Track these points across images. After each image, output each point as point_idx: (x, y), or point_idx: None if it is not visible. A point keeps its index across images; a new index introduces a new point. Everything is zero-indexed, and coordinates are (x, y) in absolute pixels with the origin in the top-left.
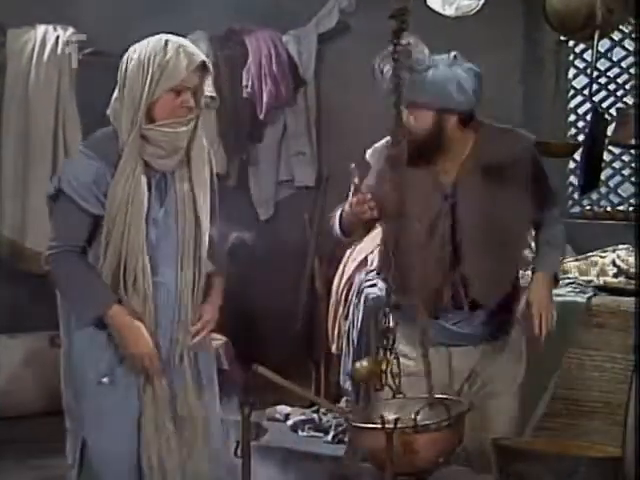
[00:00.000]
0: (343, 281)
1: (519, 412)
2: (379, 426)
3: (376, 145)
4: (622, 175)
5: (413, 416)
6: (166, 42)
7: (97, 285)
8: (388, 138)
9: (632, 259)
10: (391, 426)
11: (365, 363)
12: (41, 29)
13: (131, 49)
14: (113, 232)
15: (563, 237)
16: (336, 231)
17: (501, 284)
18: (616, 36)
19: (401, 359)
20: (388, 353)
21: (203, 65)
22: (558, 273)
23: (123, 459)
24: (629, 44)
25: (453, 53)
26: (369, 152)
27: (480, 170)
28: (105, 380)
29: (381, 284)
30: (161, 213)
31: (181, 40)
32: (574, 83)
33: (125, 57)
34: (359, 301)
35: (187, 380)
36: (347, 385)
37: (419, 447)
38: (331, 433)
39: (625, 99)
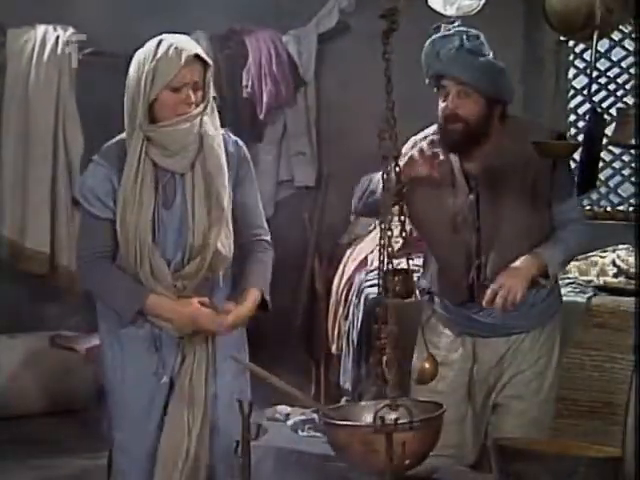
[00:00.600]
0: (343, 281)
1: (546, 416)
2: (347, 424)
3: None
4: (622, 175)
5: (372, 417)
6: (159, 42)
7: (129, 282)
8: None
9: (632, 259)
10: (369, 424)
11: (427, 364)
12: (41, 29)
13: (136, 53)
14: (126, 233)
15: (577, 237)
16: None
17: None
18: (616, 36)
19: (430, 348)
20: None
21: (201, 60)
22: (551, 266)
23: (144, 458)
24: (629, 44)
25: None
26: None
27: (503, 160)
28: (165, 379)
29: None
30: (167, 215)
31: (176, 38)
32: (574, 83)
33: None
34: (359, 301)
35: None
36: (347, 385)
37: (380, 447)
38: None
39: (625, 99)
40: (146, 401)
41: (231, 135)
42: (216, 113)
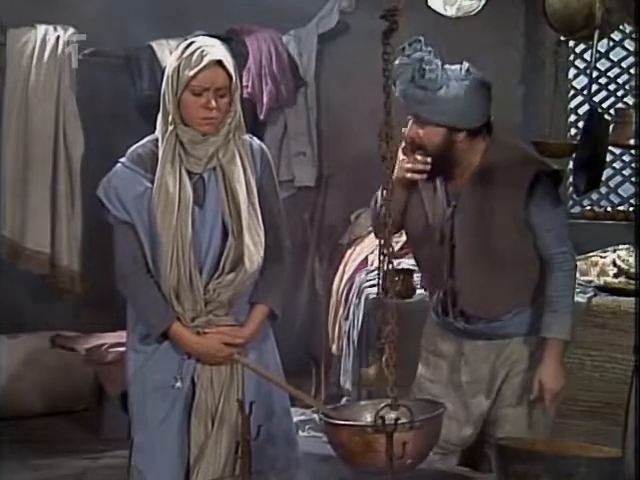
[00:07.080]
0: (343, 281)
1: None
2: (350, 424)
3: None
4: (622, 175)
5: (373, 416)
6: (189, 43)
7: (158, 301)
8: None
9: (632, 259)
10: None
11: (372, 370)
12: (41, 29)
13: None
14: (166, 231)
15: (572, 284)
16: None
17: (497, 298)
18: (616, 36)
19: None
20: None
21: (223, 66)
22: (569, 333)
23: (162, 459)
24: (629, 44)
25: (466, 65)
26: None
27: (483, 182)
28: (179, 385)
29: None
30: (200, 213)
31: (206, 41)
32: (574, 83)
33: None
34: (359, 301)
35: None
36: (347, 385)
37: (380, 447)
38: None
39: (625, 99)
40: (167, 405)
41: (255, 139)
42: (242, 123)
